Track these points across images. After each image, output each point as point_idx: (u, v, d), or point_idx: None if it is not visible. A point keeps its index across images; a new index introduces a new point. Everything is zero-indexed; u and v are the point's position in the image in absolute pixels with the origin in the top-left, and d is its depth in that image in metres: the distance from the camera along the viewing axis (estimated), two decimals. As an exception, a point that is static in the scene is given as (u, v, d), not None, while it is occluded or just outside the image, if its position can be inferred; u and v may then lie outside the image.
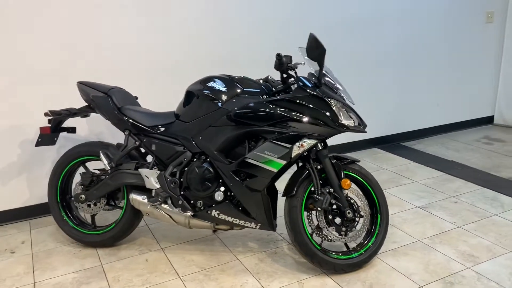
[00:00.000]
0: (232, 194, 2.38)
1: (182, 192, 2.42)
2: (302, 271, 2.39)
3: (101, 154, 2.50)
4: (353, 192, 2.39)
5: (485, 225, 2.83)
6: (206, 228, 2.49)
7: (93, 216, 2.70)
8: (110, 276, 2.39)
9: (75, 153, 2.61)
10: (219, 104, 2.33)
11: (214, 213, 2.38)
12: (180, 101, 2.55)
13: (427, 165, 3.92)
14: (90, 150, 2.59)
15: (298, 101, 2.21)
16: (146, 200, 2.46)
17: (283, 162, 2.24)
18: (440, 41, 4.55)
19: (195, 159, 2.42)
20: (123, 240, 2.69)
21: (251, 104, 2.26)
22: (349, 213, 2.31)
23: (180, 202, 2.42)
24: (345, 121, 2.23)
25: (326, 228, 2.33)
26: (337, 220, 2.36)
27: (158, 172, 2.44)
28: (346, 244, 2.42)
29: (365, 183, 2.41)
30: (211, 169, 2.36)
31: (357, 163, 2.42)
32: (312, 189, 2.33)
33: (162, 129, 2.48)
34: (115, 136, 3.20)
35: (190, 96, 2.44)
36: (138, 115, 2.52)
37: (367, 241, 2.40)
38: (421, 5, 4.33)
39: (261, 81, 2.47)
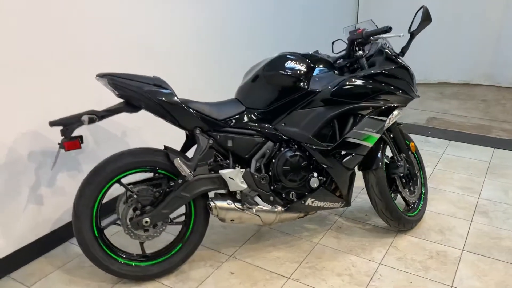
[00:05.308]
0: (322, 178, 2.27)
1: (272, 187, 2.18)
2: (382, 237, 2.50)
3: (179, 162, 1.96)
4: (405, 153, 2.60)
5: (447, 163, 3.45)
6: (290, 221, 2.32)
7: (142, 244, 2.14)
8: (215, 303, 2.01)
9: (119, 167, 1.97)
10: (305, 85, 2.14)
11: (309, 201, 2.24)
12: (241, 86, 2.23)
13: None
14: (145, 160, 2.01)
15: (391, 73, 2.23)
16: (233, 205, 2.11)
17: (378, 136, 2.26)
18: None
19: (282, 149, 2.18)
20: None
21: (352, 82, 2.16)
22: (418, 172, 2.53)
23: (271, 198, 2.17)
24: (416, 89, 2.39)
25: (403, 191, 2.49)
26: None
27: (243, 170, 2.11)
28: (406, 202, 2.63)
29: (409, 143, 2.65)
30: (304, 156, 2.19)
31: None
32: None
33: (234, 121, 2.13)
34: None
35: (260, 80, 2.16)
36: (204, 108, 2.08)
37: (421, 192, 2.67)
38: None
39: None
